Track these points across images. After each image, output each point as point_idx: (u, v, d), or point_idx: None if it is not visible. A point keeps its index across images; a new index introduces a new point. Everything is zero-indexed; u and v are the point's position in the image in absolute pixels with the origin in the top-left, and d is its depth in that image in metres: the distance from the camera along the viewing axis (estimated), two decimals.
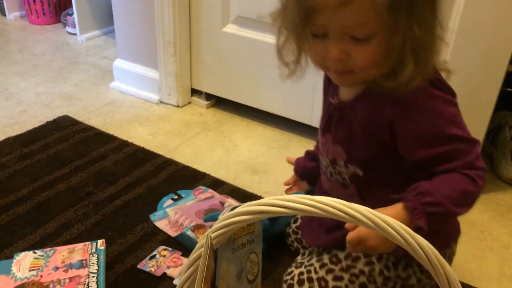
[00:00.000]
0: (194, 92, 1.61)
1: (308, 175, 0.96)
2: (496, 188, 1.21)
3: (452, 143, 0.66)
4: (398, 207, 0.65)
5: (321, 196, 0.41)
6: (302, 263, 0.82)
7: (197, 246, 0.43)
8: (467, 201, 0.66)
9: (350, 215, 0.39)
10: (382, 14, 0.59)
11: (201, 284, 0.40)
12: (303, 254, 0.89)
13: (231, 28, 1.42)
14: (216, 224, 0.43)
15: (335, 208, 0.39)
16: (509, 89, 1.33)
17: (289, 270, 0.83)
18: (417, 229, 0.56)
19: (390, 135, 0.69)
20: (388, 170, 0.74)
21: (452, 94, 0.69)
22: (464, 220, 0.86)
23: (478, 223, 1.09)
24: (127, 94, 1.65)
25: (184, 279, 0.45)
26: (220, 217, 0.44)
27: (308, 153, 0.97)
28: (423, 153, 0.67)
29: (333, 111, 0.77)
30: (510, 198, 1.18)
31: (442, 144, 0.66)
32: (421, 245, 0.38)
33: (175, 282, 0.91)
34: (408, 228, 0.39)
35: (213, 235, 0.43)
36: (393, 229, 0.38)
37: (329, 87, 0.81)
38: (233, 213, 0.42)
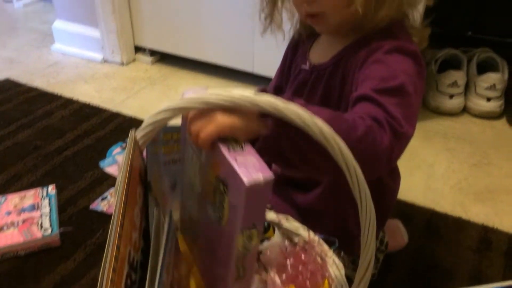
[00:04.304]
0: (139, 50, 1.63)
1: None
2: (424, 117, 1.32)
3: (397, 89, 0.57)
4: None
5: (236, 90, 0.46)
6: None
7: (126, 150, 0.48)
8: (357, 144, 0.48)
9: (258, 104, 0.44)
10: None
11: (126, 175, 0.45)
12: None
13: None
14: (142, 125, 0.48)
15: (247, 101, 0.45)
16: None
17: None
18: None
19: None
20: None
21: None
22: None
23: (407, 147, 1.19)
24: (69, 55, 1.64)
25: (117, 182, 0.50)
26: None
27: None
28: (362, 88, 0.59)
29: (307, 77, 0.72)
30: (435, 125, 1.29)
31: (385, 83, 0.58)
32: (318, 125, 0.44)
33: None
34: (308, 113, 0.44)
35: (138, 135, 0.48)
36: (293, 113, 0.44)
37: (297, 54, 0.77)
38: (156, 113, 0.47)
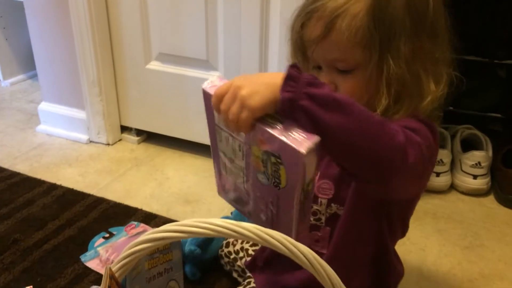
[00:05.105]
0: (125, 129, 1.62)
1: None
2: None
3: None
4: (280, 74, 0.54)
5: (215, 219, 0.45)
6: None
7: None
8: (372, 126, 0.54)
9: (238, 232, 0.43)
10: (357, 47, 0.63)
11: None
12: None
13: (154, 65, 1.46)
14: (119, 257, 0.46)
15: (225, 228, 0.43)
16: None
17: None
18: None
19: None
20: (371, 217, 0.70)
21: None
22: None
23: None
24: (54, 136, 1.63)
25: None
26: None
27: None
28: None
29: None
30: (424, 203, 1.28)
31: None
32: (302, 252, 0.43)
33: None
34: (290, 238, 0.43)
35: (114, 267, 0.46)
36: (277, 241, 0.43)
37: None
38: (133, 244, 0.45)
